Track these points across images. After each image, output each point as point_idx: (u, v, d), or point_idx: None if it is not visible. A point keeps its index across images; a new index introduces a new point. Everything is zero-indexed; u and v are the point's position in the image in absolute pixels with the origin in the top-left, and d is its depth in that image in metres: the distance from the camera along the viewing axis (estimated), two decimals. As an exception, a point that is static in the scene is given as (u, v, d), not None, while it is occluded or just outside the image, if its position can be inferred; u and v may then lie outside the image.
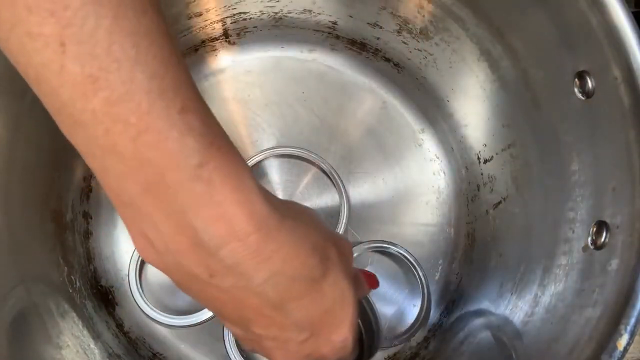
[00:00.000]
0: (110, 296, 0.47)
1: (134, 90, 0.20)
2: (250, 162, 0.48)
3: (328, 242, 0.27)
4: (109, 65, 0.20)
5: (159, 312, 0.46)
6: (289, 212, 0.25)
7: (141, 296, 0.46)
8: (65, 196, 0.45)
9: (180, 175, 0.22)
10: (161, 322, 0.46)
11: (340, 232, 0.48)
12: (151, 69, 0.20)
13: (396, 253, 0.48)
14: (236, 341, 0.46)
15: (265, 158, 0.49)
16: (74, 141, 0.22)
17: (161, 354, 0.48)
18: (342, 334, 0.29)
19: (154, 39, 0.21)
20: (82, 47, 0.19)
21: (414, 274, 0.48)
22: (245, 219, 0.23)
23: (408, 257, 0.48)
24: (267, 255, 0.24)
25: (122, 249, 0.47)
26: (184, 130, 0.21)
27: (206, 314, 0.46)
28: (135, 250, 0.46)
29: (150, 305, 0.46)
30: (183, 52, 0.49)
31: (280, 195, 0.49)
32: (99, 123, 0.21)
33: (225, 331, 0.46)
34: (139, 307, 0.46)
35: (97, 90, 0.20)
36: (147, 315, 0.46)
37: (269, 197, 0.24)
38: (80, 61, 0.19)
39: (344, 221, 0.48)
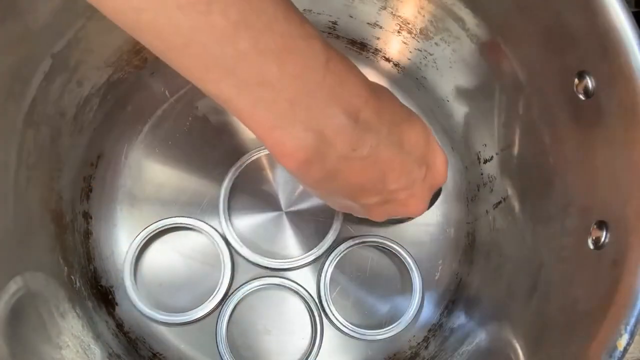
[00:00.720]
0: (110, 296, 0.47)
1: (267, 20, 0.24)
2: (249, 159, 0.48)
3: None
4: (245, 8, 0.24)
5: (155, 309, 0.46)
6: (374, 82, 0.31)
7: (136, 294, 0.46)
8: (65, 196, 0.45)
9: (317, 75, 0.26)
10: (157, 320, 0.46)
11: (336, 232, 0.48)
12: None
13: (393, 251, 0.48)
14: (228, 341, 0.47)
15: (264, 155, 0.49)
16: (221, 92, 0.26)
17: (161, 354, 0.48)
18: (443, 157, 0.36)
19: None
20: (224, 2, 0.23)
21: (409, 272, 0.48)
22: (366, 92, 0.29)
23: (405, 255, 0.48)
24: (382, 112, 0.30)
25: (122, 249, 0.47)
26: (308, 37, 0.26)
27: (202, 311, 0.46)
28: (131, 248, 0.46)
29: (147, 303, 0.46)
30: (183, 52, 0.49)
31: (280, 194, 0.49)
32: (249, 65, 0.25)
33: (218, 331, 0.46)
34: (134, 305, 0.46)
35: (241, 33, 0.24)
36: (143, 313, 0.46)
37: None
38: (225, 13, 0.23)
39: (340, 220, 0.48)
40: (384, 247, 0.49)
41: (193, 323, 0.47)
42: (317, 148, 0.27)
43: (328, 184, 0.30)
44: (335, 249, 0.48)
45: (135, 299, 0.46)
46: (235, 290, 0.47)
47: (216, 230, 0.48)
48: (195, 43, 0.24)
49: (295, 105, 0.26)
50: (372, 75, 0.51)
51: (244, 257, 0.48)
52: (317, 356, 0.47)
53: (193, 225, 0.48)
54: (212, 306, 0.47)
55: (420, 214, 0.37)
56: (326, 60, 0.27)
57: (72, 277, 0.44)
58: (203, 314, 0.47)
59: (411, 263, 0.48)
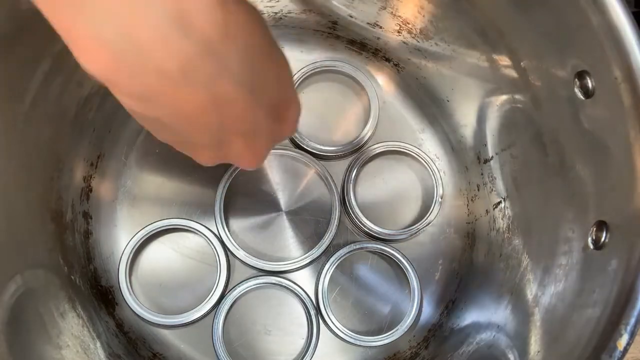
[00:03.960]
0: (110, 296, 0.47)
1: None
2: None
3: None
4: None
5: (151, 311, 0.46)
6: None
7: (131, 295, 0.46)
8: (65, 196, 0.45)
9: None
10: (154, 322, 0.46)
11: (333, 232, 0.48)
12: None
13: (395, 259, 0.48)
14: (225, 341, 0.47)
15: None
16: None
17: (161, 354, 0.48)
18: (297, 109, 0.30)
19: None
20: None
21: (407, 277, 0.48)
22: None
23: (402, 260, 0.48)
24: (234, 35, 0.23)
25: (122, 249, 0.47)
26: None
27: (198, 312, 0.46)
28: (126, 250, 0.46)
29: (142, 305, 0.46)
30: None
31: (280, 195, 0.49)
32: None
33: (214, 331, 0.46)
34: (130, 307, 0.46)
35: None
36: (140, 316, 0.46)
37: None
38: None
39: (335, 222, 0.48)
40: (383, 254, 0.49)
41: (191, 324, 0.47)
42: (126, 51, 0.21)
43: (148, 105, 0.24)
44: (334, 253, 0.48)
45: (131, 301, 0.46)
46: (231, 289, 0.47)
47: (212, 231, 0.48)
48: None
49: None
50: (372, 75, 0.51)
51: (240, 260, 0.48)
52: (312, 356, 0.47)
53: (189, 227, 0.47)
54: (210, 307, 0.47)
55: (253, 168, 0.33)
56: None
57: (72, 277, 0.44)
58: (200, 315, 0.46)
59: (412, 276, 0.48)
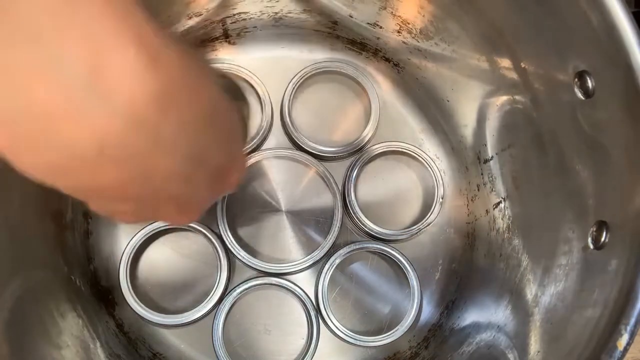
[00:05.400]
0: (110, 296, 0.47)
1: None
2: (249, 160, 0.48)
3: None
4: None
5: (152, 311, 0.46)
6: (176, 44, 0.18)
7: (131, 295, 0.46)
8: (65, 196, 0.45)
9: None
10: (154, 322, 0.46)
11: (335, 234, 0.48)
12: None
13: (394, 259, 0.48)
14: (225, 341, 0.47)
15: (264, 158, 0.49)
16: None
17: (161, 354, 0.48)
18: (243, 172, 0.26)
19: None
20: None
21: (407, 277, 0.48)
22: (134, 48, 0.16)
23: (402, 260, 0.48)
24: (170, 95, 0.17)
25: (122, 249, 0.47)
26: None
27: (199, 312, 0.46)
28: (126, 250, 0.46)
29: (142, 305, 0.46)
30: (183, 52, 0.49)
31: (280, 195, 0.49)
32: None
33: (214, 331, 0.46)
34: (130, 307, 0.46)
35: None
36: (140, 316, 0.46)
37: (151, 21, 0.17)
38: None
39: (337, 224, 0.48)
40: (383, 254, 0.49)
41: (191, 324, 0.47)
42: (23, 124, 0.16)
43: (57, 180, 0.20)
44: (334, 254, 0.48)
45: (132, 301, 0.46)
46: (232, 290, 0.47)
47: (214, 231, 0.48)
48: None
49: None
50: (372, 75, 0.51)
51: (241, 261, 0.48)
52: (312, 356, 0.47)
53: (189, 227, 0.47)
54: (210, 307, 0.47)
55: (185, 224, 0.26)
56: None
57: (72, 277, 0.44)
58: (200, 314, 0.46)
59: (412, 275, 0.48)
